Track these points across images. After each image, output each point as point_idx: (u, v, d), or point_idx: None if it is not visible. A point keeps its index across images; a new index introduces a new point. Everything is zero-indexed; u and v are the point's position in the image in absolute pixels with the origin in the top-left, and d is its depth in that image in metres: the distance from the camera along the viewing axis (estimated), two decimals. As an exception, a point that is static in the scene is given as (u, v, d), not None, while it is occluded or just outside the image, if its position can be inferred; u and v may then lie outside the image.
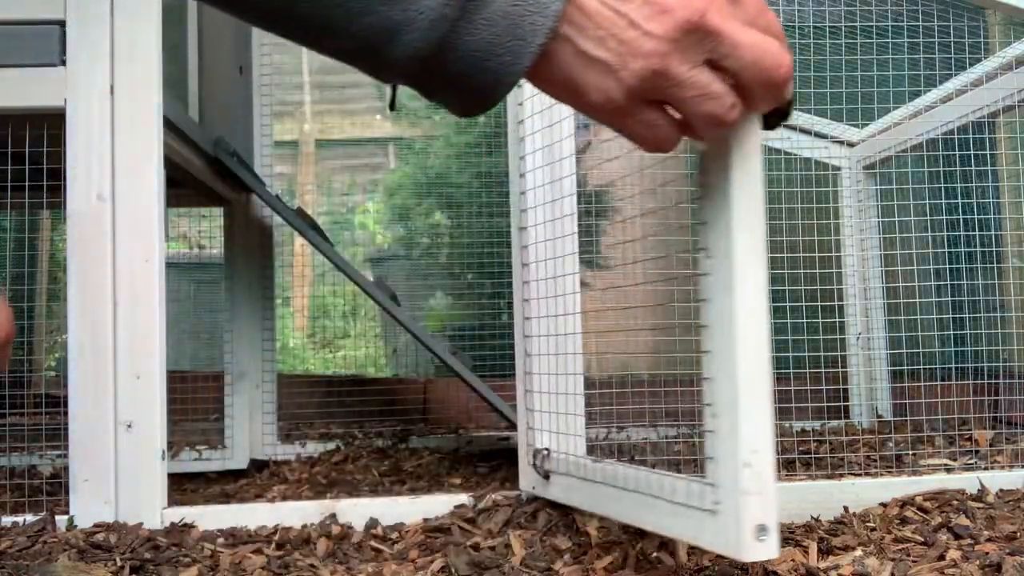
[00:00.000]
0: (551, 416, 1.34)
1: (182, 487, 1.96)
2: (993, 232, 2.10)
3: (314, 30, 0.50)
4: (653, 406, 1.91)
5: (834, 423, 2.22)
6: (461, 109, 0.54)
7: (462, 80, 0.50)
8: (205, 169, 1.89)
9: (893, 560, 1.00)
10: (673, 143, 0.56)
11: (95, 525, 1.29)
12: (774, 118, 0.73)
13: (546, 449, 1.32)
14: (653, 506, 1.04)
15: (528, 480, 1.37)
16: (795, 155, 2.20)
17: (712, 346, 0.92)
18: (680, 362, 2.06)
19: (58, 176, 1.40)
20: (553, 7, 0.49)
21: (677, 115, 0.56)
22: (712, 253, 0.90)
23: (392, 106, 0.66)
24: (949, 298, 1.97)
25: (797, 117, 2.23)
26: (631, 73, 0.50)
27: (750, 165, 0.83)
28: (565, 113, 1.33)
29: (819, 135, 2.24)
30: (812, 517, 1.19)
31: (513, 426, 1.75)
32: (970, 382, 2.00)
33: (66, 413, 1.34)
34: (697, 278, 0.93)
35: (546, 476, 1.31)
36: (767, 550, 0.89)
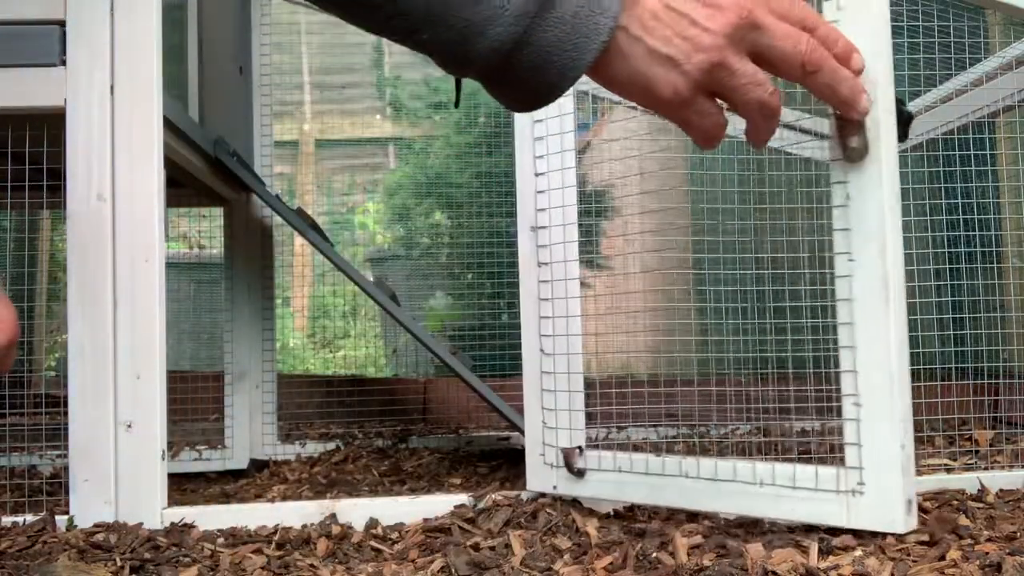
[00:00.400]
0: (574, 415, 1.36)
1: (182, 487, 1.96)
2: (993, 232, 2.10)
3: (416, 22, 0.55)
4: (670, 405, 1.91)
5: (834, 423, 2.22)
6: (522, 103, 0.59)
7: (530, 73, 0.55)
8: (205, 169, 1.89)
9: (893, 560, 1.00)
10: (722, 131, 0.63)
11: (95, 525, 1.29)
12: (901, 127, 0.94)
13: (579, 447, 1.33)
14: (758, 495, 1.13)
15: (541, 480, 1.37)
16: (795, 155, 2.20)
17: (858, 342, 1.02)
18: (681, 362, 2.06)
19: (58, 176, 1.40)
20: (613, 9, 0.54)
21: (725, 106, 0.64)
22: (856, 256, 1.01)
23: (457, 103, 0.71)
24: (949, 298, 1.97)
25: (798, 117, 2.23)
26: (695, 66, 0.56)
27: (894, 176, 0.97)
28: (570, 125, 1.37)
29: (819, 135, 2.24)
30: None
31: (513, 426, 1.75)
32: (970, 382, 2.00)
33: (66, 413, 1.34)
34: (838, 280, 1.05)
35: (579, 474, 1.32)
36: (913, 520, 1.03)
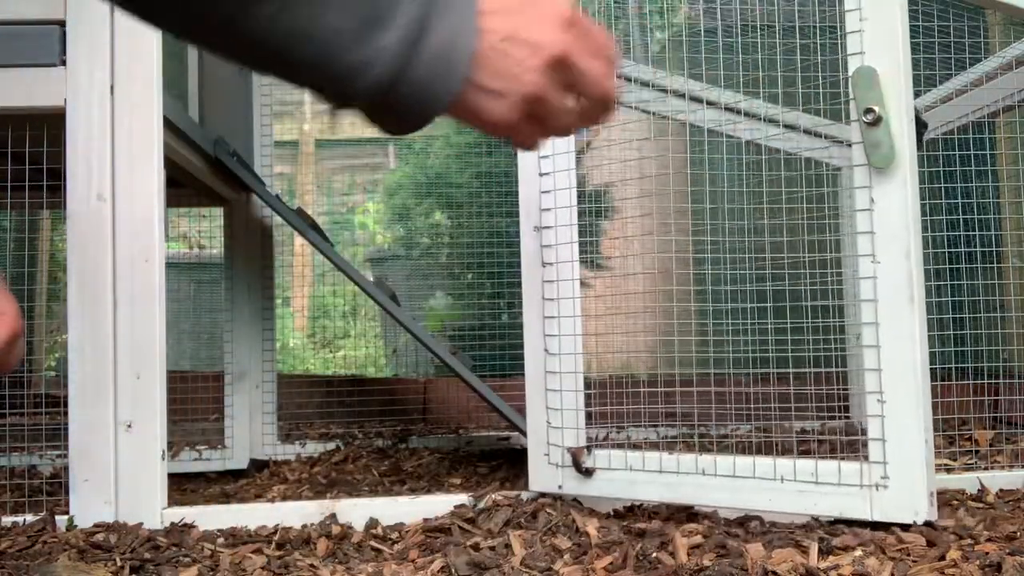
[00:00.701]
0: (580, 414, 1.37)
1: (182, 487, 1.96)
2: (993, 232, 2.10)
3: (299, 67, 0.62)
4: (670, 405, 1.90)
5: (834, 423, 2.22)
6: (396, 130, 0.68)
7: (404, 107, 0.64)
8: (205, 169, 1.89)
9: (893, 560, 1.00)
10: (540, 145, 0.74)
11: (95, 525, 1.29)
12: (916, 134, 1.07)
13: (587, 446, 1.34)
14: (779, 491, 1.18)
15: (546, 479, 1.38)
16: (795, 155, 2.20)
17: (882, 340, 1.07)
18: (682, 362, 2.05)
19: (58, 176, 1.40)
20: (469, 49, 0.63)
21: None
22: (881, 258, 1.07)
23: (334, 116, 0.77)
24: (949, 298, 1.97)
25: (797, 117, 2.23)
26: (519, 98, 0.66)
27: (915, 180, 1.05)
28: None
29: (819, 135, 2.24)
30: (812, 517, 1.19)
31: (514, 426, 1.75)
32: (970, 382, 2.00)
33: (66, 413, 1.34)
34: (859, 281, 1.10)
35: (587, 473, 1.32)
36: (935, 512, 1.08)
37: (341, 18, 0.60)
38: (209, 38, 0.64)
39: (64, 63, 1.37)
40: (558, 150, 1.39)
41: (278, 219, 2.19)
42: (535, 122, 0.70)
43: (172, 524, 1.31)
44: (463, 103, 0.66)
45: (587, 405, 1.39)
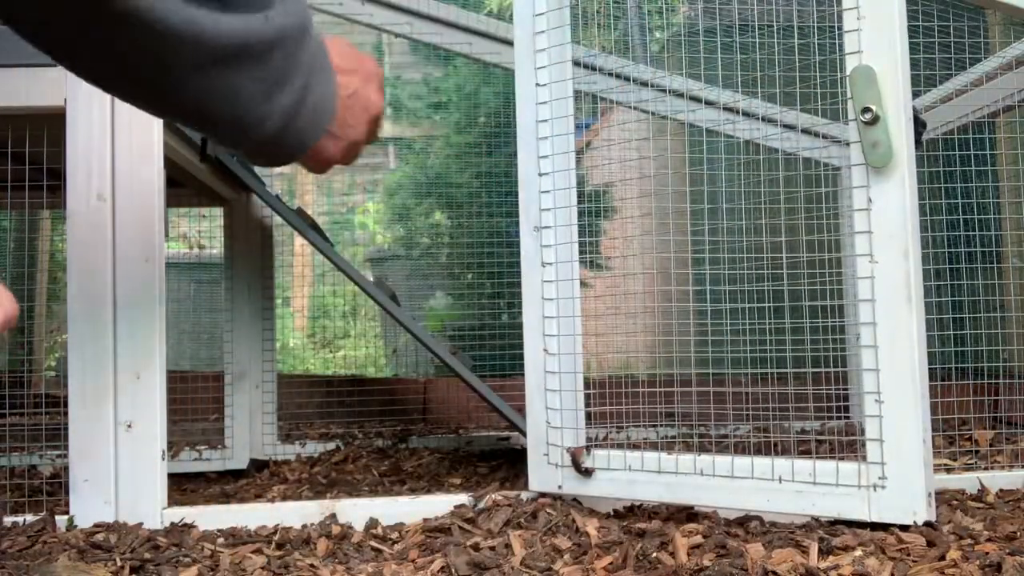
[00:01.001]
0: (579, 415, 1.37)
1: (182, 487, 1.96)
2: (993, 232, 2.10)
3: (211, 120, 0.73)
4: (669, 405, 1.90)
5: (833, 423, 2.22)
6: (265, 165, 0.85)
7: (282, 148, 0.77)
8: (205, 169, 1.89)
9: (893, 560, 1.00)
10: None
11: (95, 525, 1.29)
12: (915, 134, 1.11)
13: (587, 446, 1.34)
14: (777, 491, 1.18)
15: (545, 479, 1.38)
16: (795, 155, 2.20)
17: (880, 341, 1.07)
18: (681, 362, 2.05)
19: (58, 176, 1.40)
20: (332, 104, 0.79)
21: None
22: (879, 258, 1.07)
23: (204, 158, 0.85)
24: (949, 298, 1.97)
25: (797, 117, 2.22)
26: (348, 142, 0.82)
27: (914, 179, 1.07)
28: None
29: (818, 135, 2.24)
30: (812, 517, 1.19)
31: (514, 426, 1.75)
32: (970, 382, 2.00)
33: (66, 413, 1.34)
34: (857, 280, 1.10)
35: (586, 473, 1.32)
36: (933, 512, 1.08)
37: (257, 82, 0.71)
38: (146, 99, 0.76)
39: (64, 63, 1.36)
40: (557, 150, 1.39)
41: (278, 219, 2.19)
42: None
43: (172, 524, 1.31)
44: (315, 146, 0.80)
45: (587, 405, 1.39)
